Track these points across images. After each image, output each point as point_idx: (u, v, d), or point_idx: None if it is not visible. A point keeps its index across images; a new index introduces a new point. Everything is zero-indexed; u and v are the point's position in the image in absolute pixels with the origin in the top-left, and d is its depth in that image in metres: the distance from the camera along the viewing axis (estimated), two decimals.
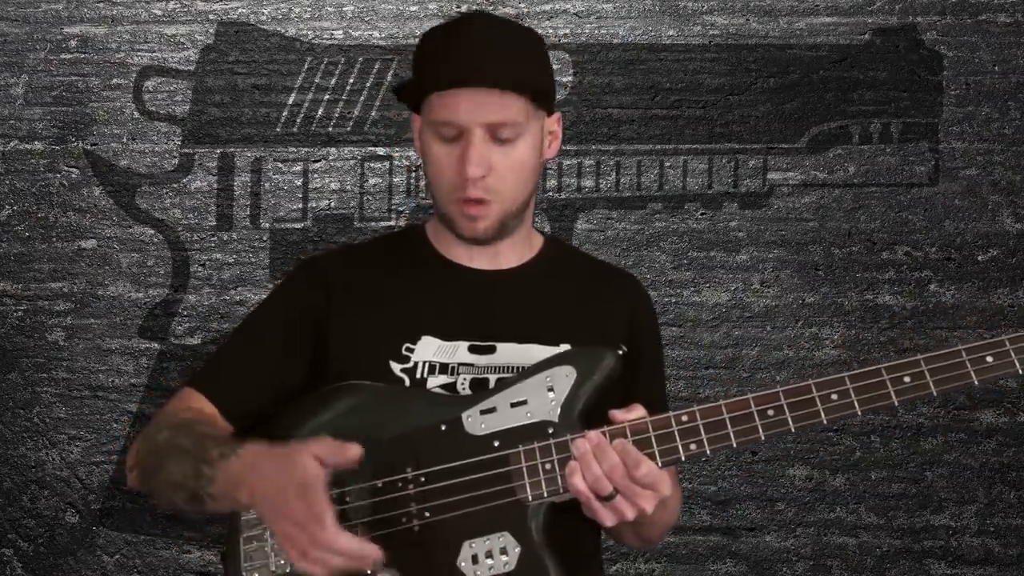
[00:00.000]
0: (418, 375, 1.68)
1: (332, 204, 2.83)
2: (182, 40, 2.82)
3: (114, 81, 2.82)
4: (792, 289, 2.84)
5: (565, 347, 1.70)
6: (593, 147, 2.84)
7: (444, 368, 1.68)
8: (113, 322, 2.81)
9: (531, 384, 1.60)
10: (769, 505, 2.83)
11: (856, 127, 2.85)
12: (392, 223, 2.82)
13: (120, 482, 2.80)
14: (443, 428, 1.60)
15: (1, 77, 2.81)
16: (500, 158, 1.66)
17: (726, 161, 2.84)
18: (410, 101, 1.74)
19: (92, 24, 2.82)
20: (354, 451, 1.50)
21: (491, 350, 1.70)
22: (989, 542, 2.84)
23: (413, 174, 2.83)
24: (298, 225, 2.82)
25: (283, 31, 2.83)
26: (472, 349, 1.70)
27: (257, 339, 1.76)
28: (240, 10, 2.83)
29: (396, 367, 1.68)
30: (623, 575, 2.83)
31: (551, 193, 2.83)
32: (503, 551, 1.54)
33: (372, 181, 2.83)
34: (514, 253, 1.77)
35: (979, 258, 2.85)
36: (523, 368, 1.66)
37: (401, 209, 2.83)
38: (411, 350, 1.69)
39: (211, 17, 2.82)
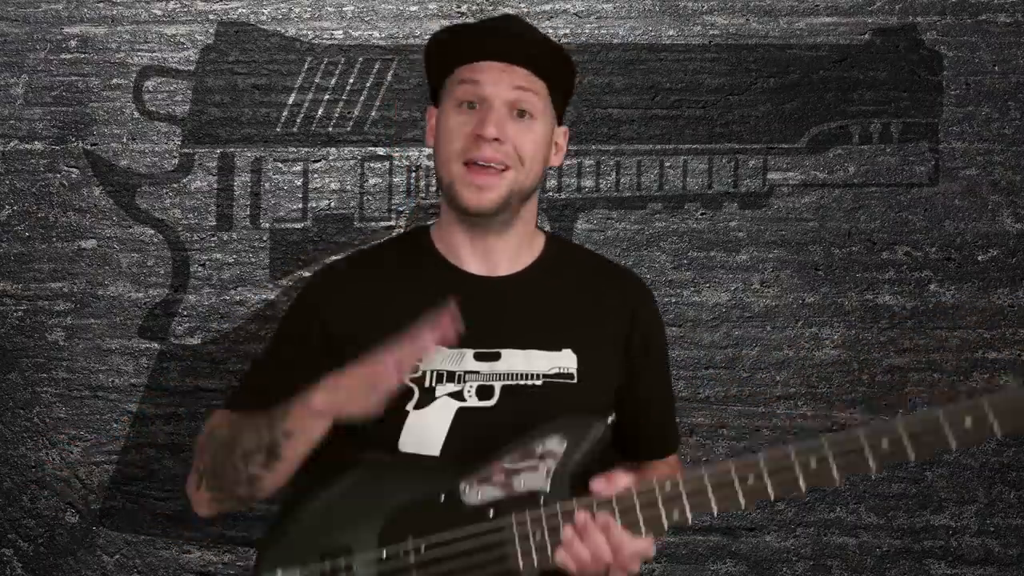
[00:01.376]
0: (426, 384, 1.72)
1: (332, 204, 2.83)
2: (182, 40, 2.82)
3: (114, 81, 2.82)
4: (792, 289, 2.84)
5: (567, 352, 1.74)
6: (593, 147, 2.84)
7: (451, 376, 1.72)
8: (113, 322, 2.81)
9: (524, 454, 1.65)
10: (769, 505, 2.83)
11: (856, 127, 2.85)
12: (392, 223, 2.82)
13: (120, 482, 2.80)
14: (442, 499, 1.65)
15: (1, 77, 2.81)
16: (517, 131, 1.72)
17: (726, 161, 2.84)
18: (438, 74, 1.77)
19: (92, 24, 2.82)
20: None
21: (496, 357, 1.73)
22: (989, 542, 2.84)
23: (413, 174, 2.83)
24: (298, 225, 2.82)
25: (283, 31, 2.83)
26: (477, 356, 1.73)
27: (280, 360, 1.82)
28: (240, 10, 2.83)
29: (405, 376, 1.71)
30: None
31: (551, 193, 2.83)
32: None
33: (372, 181, 2.83)
34: (516, 256, 1.81)
35: (979, 258, 2.85)
36: (535, 379, 1.72)
37: (401, 209, 2.83)
38: (419, 359, 1.71)
39: (211, 17, 2.82)
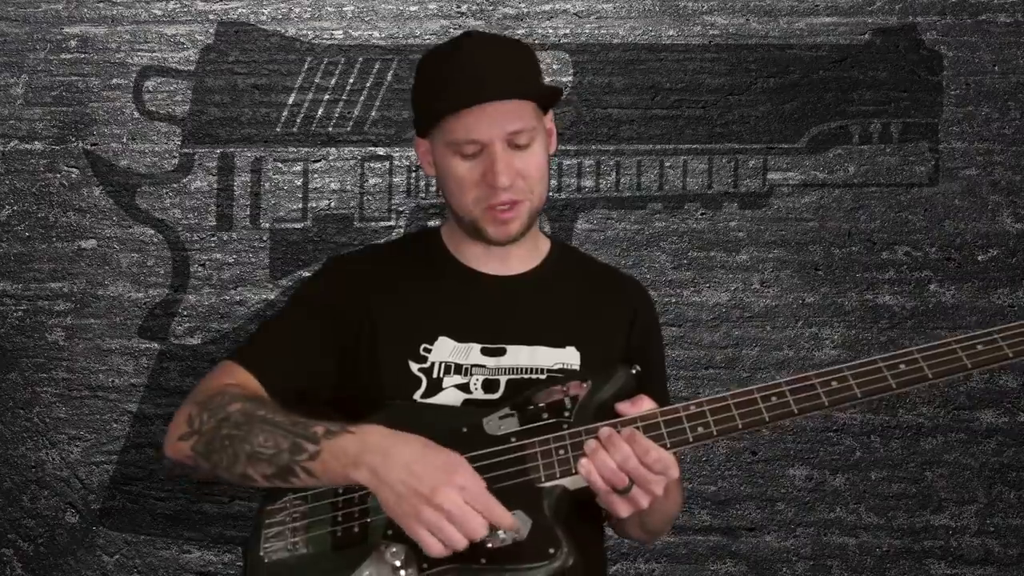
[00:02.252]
0: (434, 375, 1.76)
1: (332, 204, 2.83)
2: (182, 40, 2.82)
3: (114, 81, 2.82)
4: (792, 289, 2.85)
5: (571, 349, 1.78)
6: (593, 147, 2.84)
7: (458, 368, 1.76)
8: (113, 322, 2.81)
9: (549, 392, 1.69)
10: (769, 505, 2.84)
11: (856, 127, 2.85)
12: (392, 223, 2.82)
13: (120, 482, 2.80)
14: (464, 431, 1.67)
15: (1, 77, 2.81)
16: (522, 163, 1.74)
17: (726, 161, 2.84)
18: (424, 128, 1.79)
19: (92, 24, 2.82)
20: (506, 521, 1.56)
21: (501, 352, 1.77)
22: (989, 542, 2.84)
23: (413, 174, 2.83)
24: (298, 225, 2.83)
25: (283, 31, 2.83)
26: (484, 351, 1.77)
27: (294, 326, 1.81)
28: (240, 10, 2.83)
29: (414, 366, 1.76)
30: (623, 575, 2.83)
31: (551, 193, 2.82)
32: None
33: (372, 181, 2.83)
34: (524, 258, 1.85)
35: (979, 258, 2.85)
36: (539, 373, 1.76)
37: (401, 209, 2.83)
38: (428, 350, 1.76)
39: (211, 17, 2.82)
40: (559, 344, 1.78)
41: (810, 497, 2.84)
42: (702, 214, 2.85)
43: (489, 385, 1.75)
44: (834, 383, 1.61)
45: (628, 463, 1.57)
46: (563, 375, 1.74)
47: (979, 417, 2.84)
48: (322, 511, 1.65)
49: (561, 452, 1.62)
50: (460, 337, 1.77)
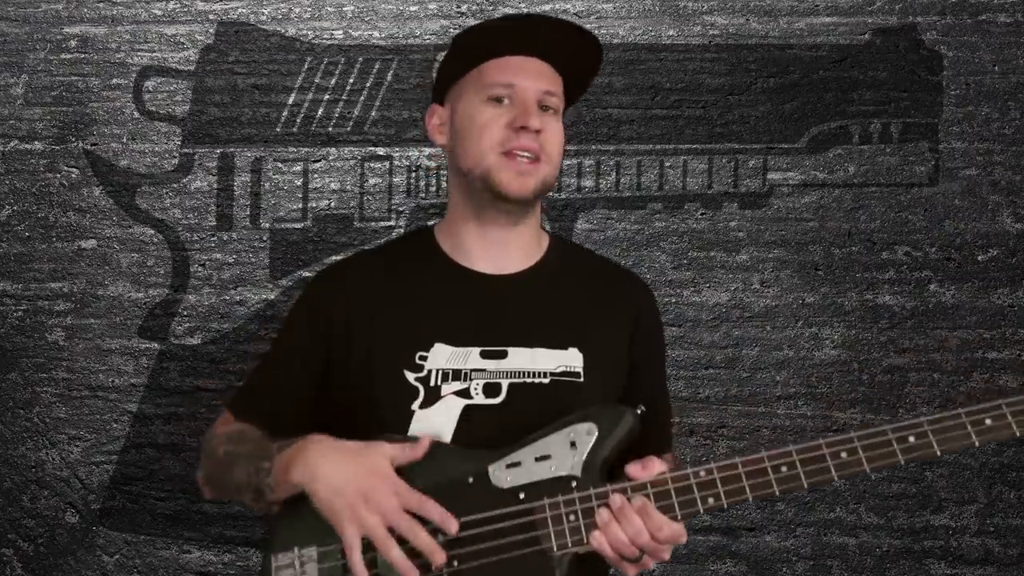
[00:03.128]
0: (432, 383, 1.72)
1: (332, 204, 2.83)
2: (182, 40, 2.83)
3: (114, 81, 2.82)
4: (792, 289, 2.85)
5: (573, 351, 1.75)
6: (593, 147, 2.84)
7: (457, 375, 1.72)
8: (113, 322, 2.81)
9: (554, 440, 1.65)
10: (769, 505, 2.83)
11: (856, 127, 2.85)
12: (392, 223, 2.82)
13: (120, 482, 2.81)
14: (470, 481, 1.64)
15: (1, 77, 2.81)
16: (548, 126, 1.75)
17: (726, 161, 2.84)
18: (461, 69, 1.79)
19: (92, 24, 2.82)
20: (422, 446, 1.61)
21: (502, 355, 1.74)
22: (989, 542, 2.84)
23: (413, 174, 2.83)
24: (298, 225, 2.83)
25: (283, 31, 2.83)
26: (484, 355, 1.73)
27: (283, 361, 1.82)
28: (240, 10, 2.83)
29: (410, 376, 1.72)
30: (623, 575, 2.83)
31: (551, 193, 2.83)
32: None
33: (372, 181, 2.83)
34: (523, 254, 1.81)
35: (979, 258, 2.85)
36: (542, 377, 1.73)
37: (401, 209, 2.83)
38: (424, 358, 1.73)
39: (211, 17, 2.82)
40: (561, 346, 1.75)
41: (810, 497, 2.84)
42: (702, 214, 2.85)
43: (490, 389, 1.72)
44: (844, 454, 1.61)
45: (640, 538, 1.58)
46: (573, 417, 1.69)
47: None
48: (333, 573, 1.63)
49: (572, 518, 1.61)
50: (457, 342, 1.73)
